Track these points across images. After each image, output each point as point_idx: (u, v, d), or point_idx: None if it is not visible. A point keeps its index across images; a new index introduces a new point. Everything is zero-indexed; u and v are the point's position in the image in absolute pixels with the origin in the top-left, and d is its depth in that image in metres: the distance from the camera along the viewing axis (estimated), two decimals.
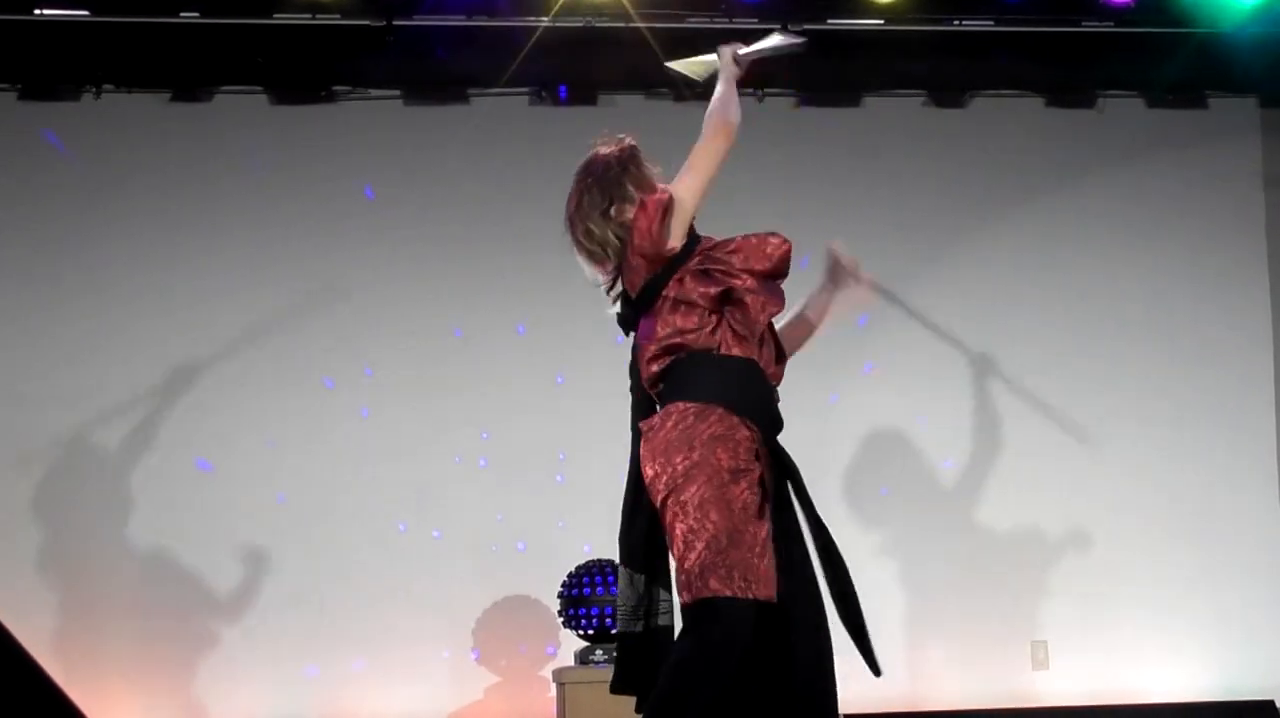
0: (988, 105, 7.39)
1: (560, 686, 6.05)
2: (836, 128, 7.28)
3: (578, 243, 3.54)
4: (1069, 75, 7.30)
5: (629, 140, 3.61)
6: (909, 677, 6.88)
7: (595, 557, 6.20)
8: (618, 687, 3.46)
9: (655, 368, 3.41)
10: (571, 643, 6.28)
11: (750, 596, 3.21)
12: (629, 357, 3.57)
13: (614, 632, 5.55)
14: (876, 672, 3.49)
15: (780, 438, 3.48)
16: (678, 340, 3.38)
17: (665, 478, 3.29)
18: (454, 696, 6.69)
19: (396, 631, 6.69)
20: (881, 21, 6.99)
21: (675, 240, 3.41)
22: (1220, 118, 7.47)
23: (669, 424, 3.33)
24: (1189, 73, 7.18)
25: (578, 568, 6.13)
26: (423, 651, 6.70)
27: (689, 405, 3.32)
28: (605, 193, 3.50)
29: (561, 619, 6.17)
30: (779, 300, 3.44)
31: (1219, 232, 7.39)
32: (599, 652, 5.99)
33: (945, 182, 7.31)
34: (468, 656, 6.70)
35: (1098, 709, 6.86)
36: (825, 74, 7.15)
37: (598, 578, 6.03)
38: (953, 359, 7.17)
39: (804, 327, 3.72)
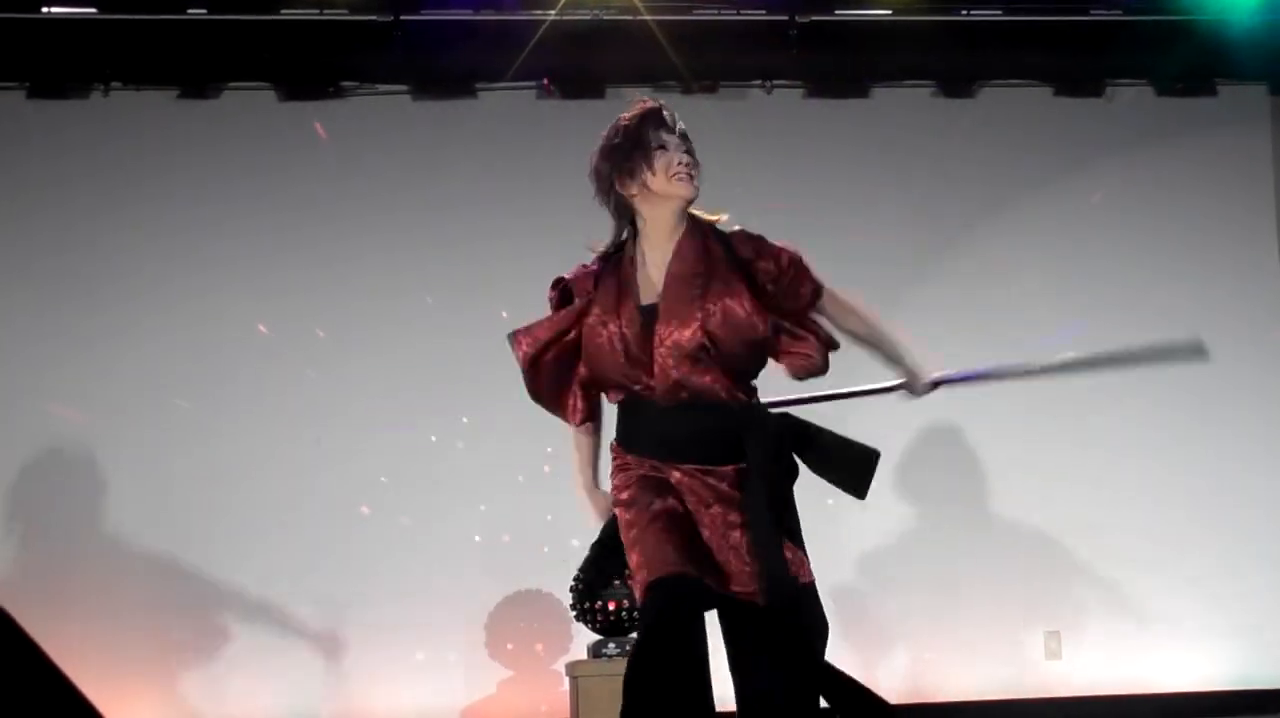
0: (996, 95, 7.38)
1: (573, 679, 6.06)
2: (845, 119, 7.27)
3: (602, 203, 3.62)
4: (1077, 64, 7.28)
5: (650, 104, 3.60)
6: (921, 667, 6.88)
7: None
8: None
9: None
10: (584, 637, 6.28)
11: (648, 578, 3.31)
12: None
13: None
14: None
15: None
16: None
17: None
18: (467, 690, 6.70)
19: (410, 626, 6.69)
20: (890, 12, 7.00)
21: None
22: (1230, 105, 7.45)
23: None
24: (1198, 61, 7.16)
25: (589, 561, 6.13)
26: (436, 645, 6.70)
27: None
28: (609, 162, 3.55)
29: (574, 613, 6.18)
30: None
31: (1229, 220, 7.38)
32: (611, 645, 6.00)
33: (954, 172, 7.30)
34: (480, 650, 6.70)
35: (1111, 699, 6.85)
36: (833, 65, 7.15)
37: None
38: (965, 349, 7.16)
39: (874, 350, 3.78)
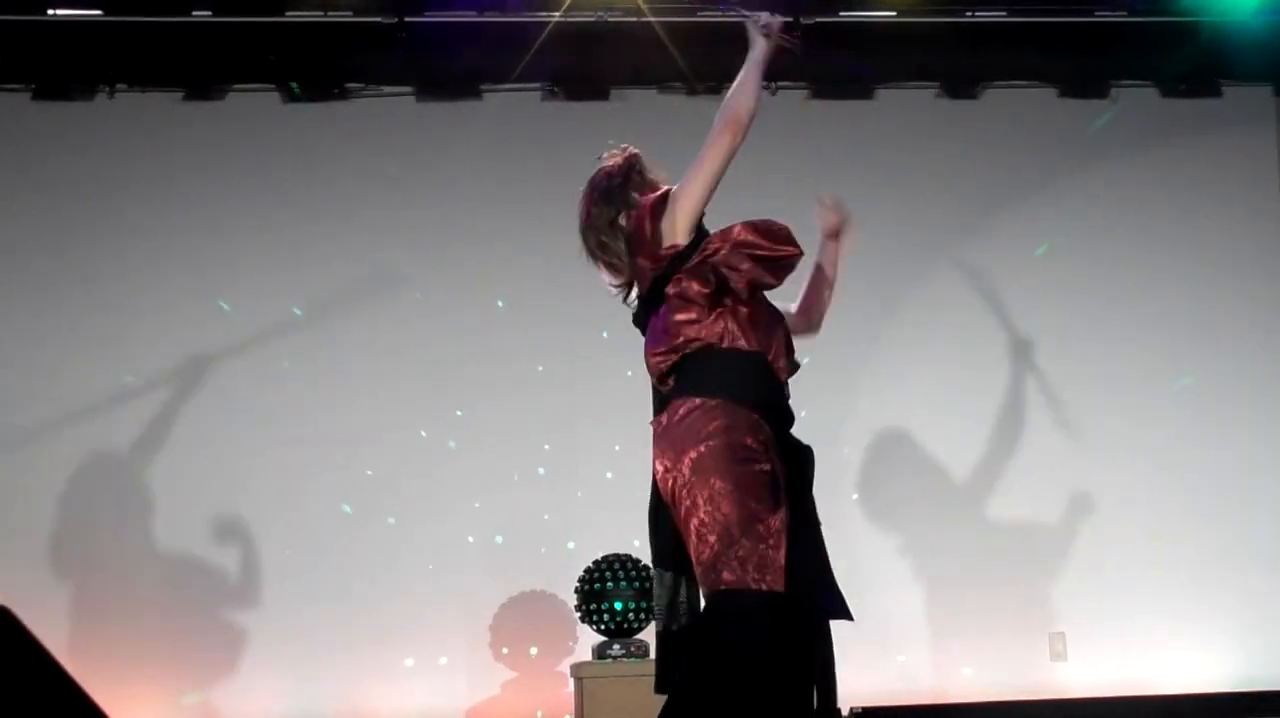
0: (1000, 97, 7.38)
1: (578, 681, 6.05)
2: (849, 120, 7.27)
3: (592, 254, 3.63)
4: (1082, 65, 7.28)
5: (631, 149, 3.68)
6: (928, 669, 6.88)
7: (616, 551, 6.20)
8: (660, 686, 3.45)
9: (663, 365, 3.44)
10: (589, 638, 6.28)
11: (763, 587, 3.18)
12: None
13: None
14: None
15: (798, 431, 3.48)
16: (681, 338, 3.41)
17: (675, 474, 3.31)
18: (471, 691, 6.69)
19: (414, 627, 6.69)
20: (894, 14, 7.00)
21: (680, 237, 3.45)
22: (1234, 106, 7.45)
23: (676, 420, 3.35)
24: (1202, 62, 7.17)
25: (595, 563, 6.13)
26: (440, 646, 6.70)
27: (696, 400, 3.33)
28: (611, 203, 3.59)
29: (579, 614, 6.17)
30: (778, 279, 3.46)
31: (1234, 220, 7.37)
32: (616, 647, 5.99)
33: (958, 173, 7.30)
34: (485, 651, 6.70)
35: (1117, 700, 6.84)
36: (837, 66, 7.15)
37: (616, 573, 6.02)
38: (969, 350, 7.17)
39: (822, 281, 3.84)
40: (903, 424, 7.10)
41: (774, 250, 3.41)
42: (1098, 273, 7.27)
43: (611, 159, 3.66)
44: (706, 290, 3.38)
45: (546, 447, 6.94)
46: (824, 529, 3.45)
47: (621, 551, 6.12)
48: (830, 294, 3.85)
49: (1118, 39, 7.16)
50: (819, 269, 3.87)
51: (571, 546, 6.71)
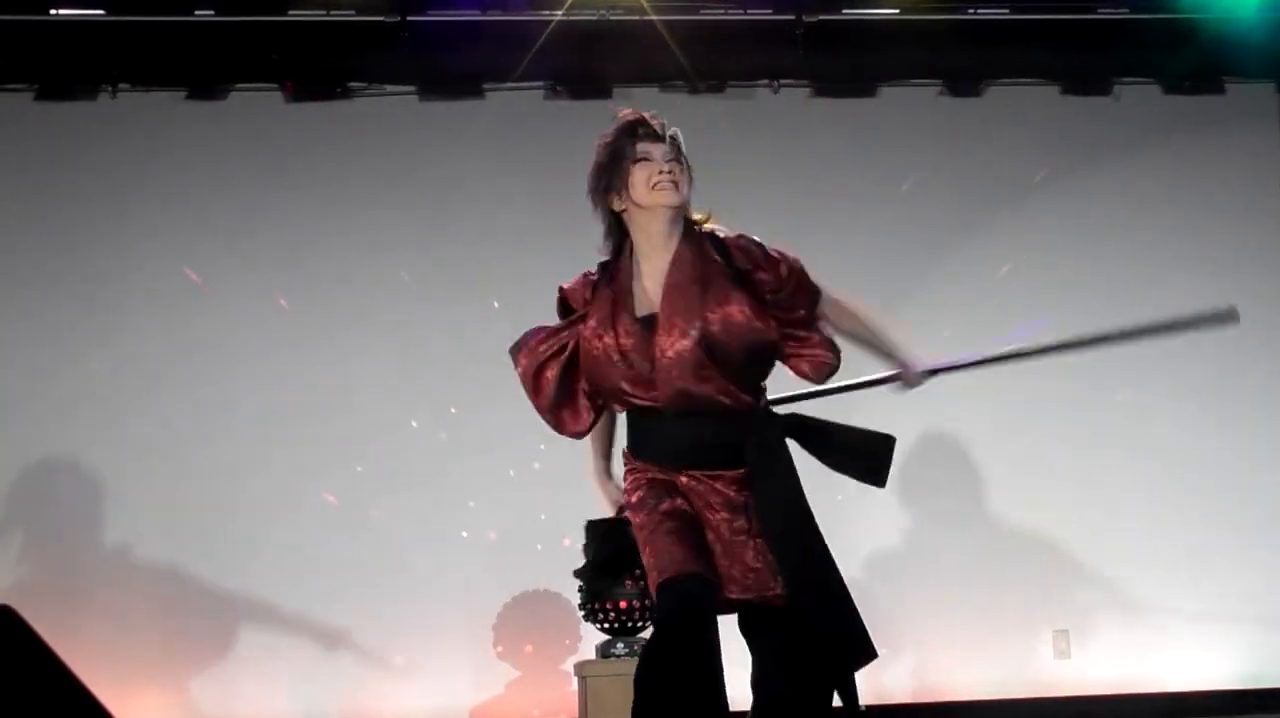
0: (1003, 94, 7.37)
1: (582, 679, 6.06)
2: (851, 118, 7.27)
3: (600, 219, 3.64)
4: (1085, 63, 7.28)
5: (629, 116, 3.58)
6: (930, 666, 6.88)
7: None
8: None
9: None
10: (593, 637, 6.28)
11: (659, 579, 3.31)
12: None
13: None
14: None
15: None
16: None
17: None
18: (475, 691, 6.70)
19: (417, 626, 6.70)
20: (896, 11, 7.00)
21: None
22: (1237, 104, 7.45)
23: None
24: (1205, 59, 7.16)
25: None
26: (443, 646, 6.70)
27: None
28: (597, 178, 3.55)
29: (583, 613, 6.18)
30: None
31: (1237, 217, 7.37)
32: (620, 646, 5.99)
33: (961, 171, 7.30)
34: (488, 651, 6.71)
35: (1120, 698, 6.84)
36: (840, 64, 7.15)
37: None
38: (970, 349, 7.16)
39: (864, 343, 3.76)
40: (905, 422, 7.09)
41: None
42: (1100, 270, 7.26)
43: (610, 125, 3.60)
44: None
45: (542, 446, 6.94)
46: (824, 528, 3.46)
47: None
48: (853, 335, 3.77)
49: (1120, 36, 7.16)
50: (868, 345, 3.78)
51: (567, 542, 6.71)
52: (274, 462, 6.79)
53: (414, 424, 6.92)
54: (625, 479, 3.55)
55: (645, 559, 3.39)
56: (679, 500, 3.42)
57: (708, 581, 3.33)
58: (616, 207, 3.52)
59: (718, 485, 3.43)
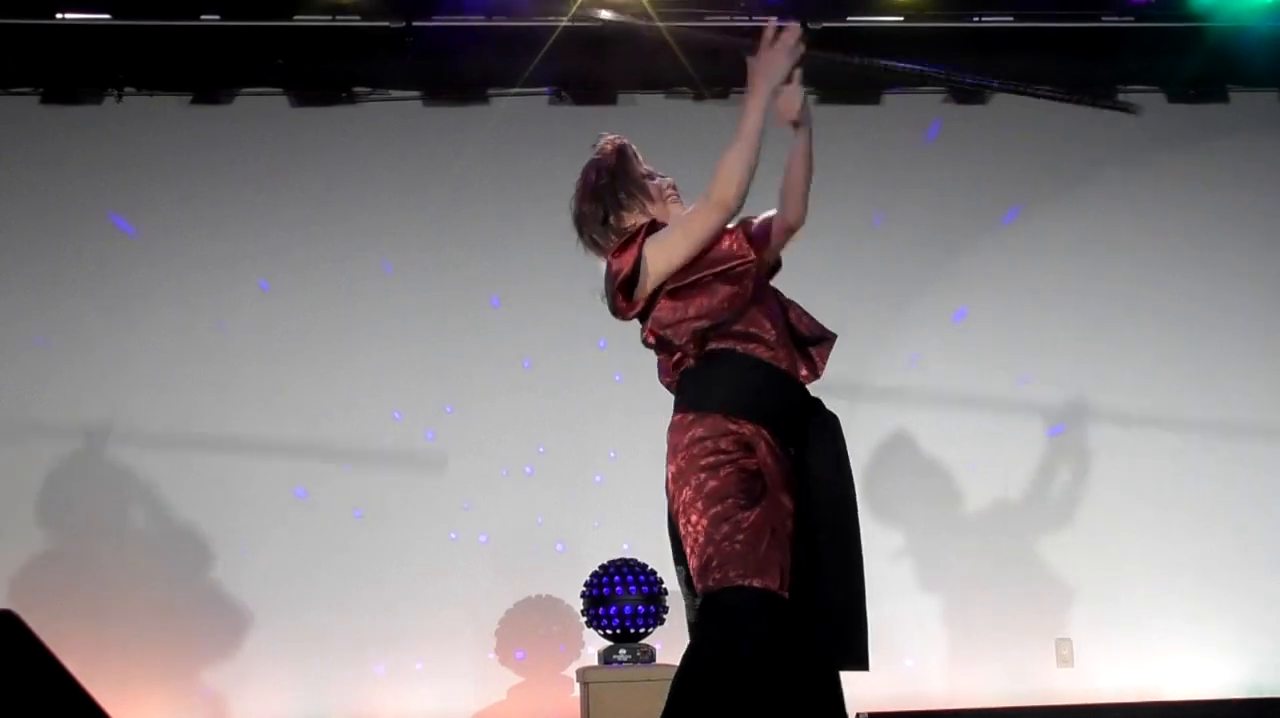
0: (1008, 102, 7.36)
1: (584, 685, 6.05)
2: (857, 124, 7.27)
3: (587, 246, 3.65)
4: (1089, 70, 7.28)
5: (618, 141, 3.66)
6: (934, 674, 6.87)
7: (627, 555, 6.21)
8: None
9: (671, 388, 3.50)
10: (595, 643, 6.28)
11: (752, 584, 3.18)
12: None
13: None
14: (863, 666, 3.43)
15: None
16: (672, 372, 3.46)
17: (668, 487, 3.36)
18: (478, 696, 6.69)
19: (420, 631, 6.70)
20: (901, 19, 7.00)
21: (644, 293, 3.42)
22: (1241, 111, 7.46)
23: (668, 435, 3.40)
24: (1209, 67, 7.17)
25: (601, 567, 6.13)
26: (446, 651, 6.70)
27: (676, 416, 3.39)
28: (601, 202, 3.59)
29: (585, 619, 6.18)
30: (717, 303, 3.40)
31: (1241, 223, 7.37)
32: (622, 651, 5.99)
33: (965, 178, 7.30)
34: (491, 656, 6.71)
35: (1123, 707, 6.83)
36: (845, 71, 7.13)
37: (623, 577, 6.02)
38: (976, 354, 7.16)
39: (793, 185, 3.73)
40: (908, 429, 7.10)
41: (682, 278, 3.40)
42: (1105, 276, 7.27)
43: (603, 149, 3.65)
44: (680, 322, 3.41)
45: (541, 448, 6.94)
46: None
47: (616, 555, 6.15)
48: (807, 171, 3.75)
49: (1125, 44, 7.16)
50: (788, 171, 3.72)
51: (560, 548, 6.71)
52: (274, 462, 6.79)
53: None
54: (713, 441, 3.29)
55: (743, 551, 3.20)
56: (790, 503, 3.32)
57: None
58: (624, 223, 3.55)
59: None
